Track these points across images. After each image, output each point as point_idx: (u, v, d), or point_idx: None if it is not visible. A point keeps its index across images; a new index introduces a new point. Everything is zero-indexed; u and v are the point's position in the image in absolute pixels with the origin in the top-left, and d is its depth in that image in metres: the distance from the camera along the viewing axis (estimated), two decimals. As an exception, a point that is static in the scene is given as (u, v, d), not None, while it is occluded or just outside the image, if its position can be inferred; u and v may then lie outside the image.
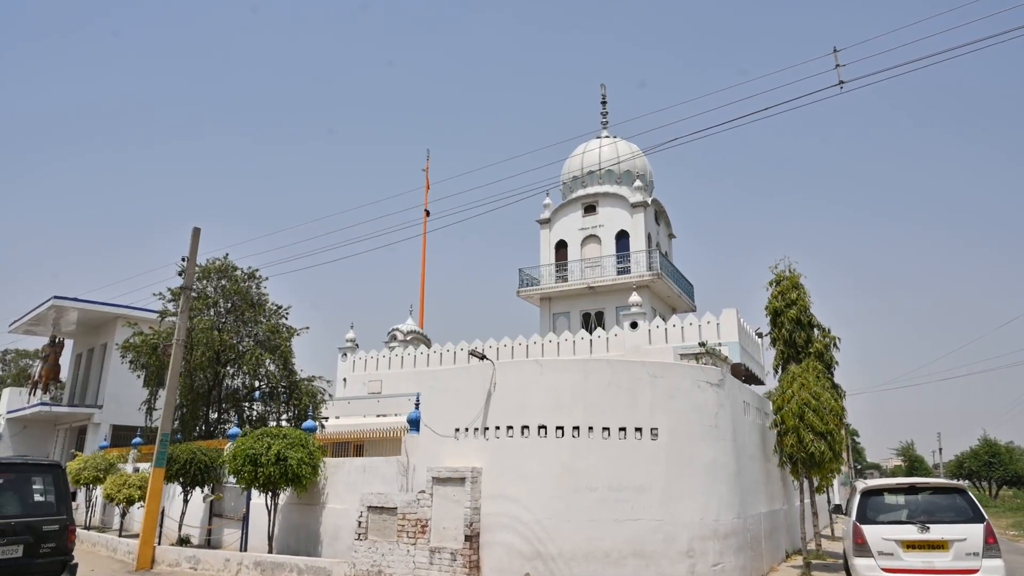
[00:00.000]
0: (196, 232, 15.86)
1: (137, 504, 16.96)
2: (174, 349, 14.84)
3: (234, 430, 17.09)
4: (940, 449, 60.92)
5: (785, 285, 15.34)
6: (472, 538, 11.02)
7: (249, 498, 14.63)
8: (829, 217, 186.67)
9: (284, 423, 19.73)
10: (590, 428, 11.16)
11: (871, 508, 9.80)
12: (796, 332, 14.90)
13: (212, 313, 20.49)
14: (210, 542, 15.95)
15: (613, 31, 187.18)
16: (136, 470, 19.57)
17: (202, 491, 16.15)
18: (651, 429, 11.22)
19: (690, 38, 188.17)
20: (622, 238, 29.08)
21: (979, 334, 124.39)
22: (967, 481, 51.66)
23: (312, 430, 15.18)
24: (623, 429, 11.18)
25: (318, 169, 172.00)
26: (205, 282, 20.79)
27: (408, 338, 30.07)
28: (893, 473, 67.72)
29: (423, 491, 11.74)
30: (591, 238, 29.82)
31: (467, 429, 11.84)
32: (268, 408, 20.96)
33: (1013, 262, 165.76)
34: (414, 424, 12.90)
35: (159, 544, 14.67)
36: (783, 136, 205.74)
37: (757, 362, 24.30)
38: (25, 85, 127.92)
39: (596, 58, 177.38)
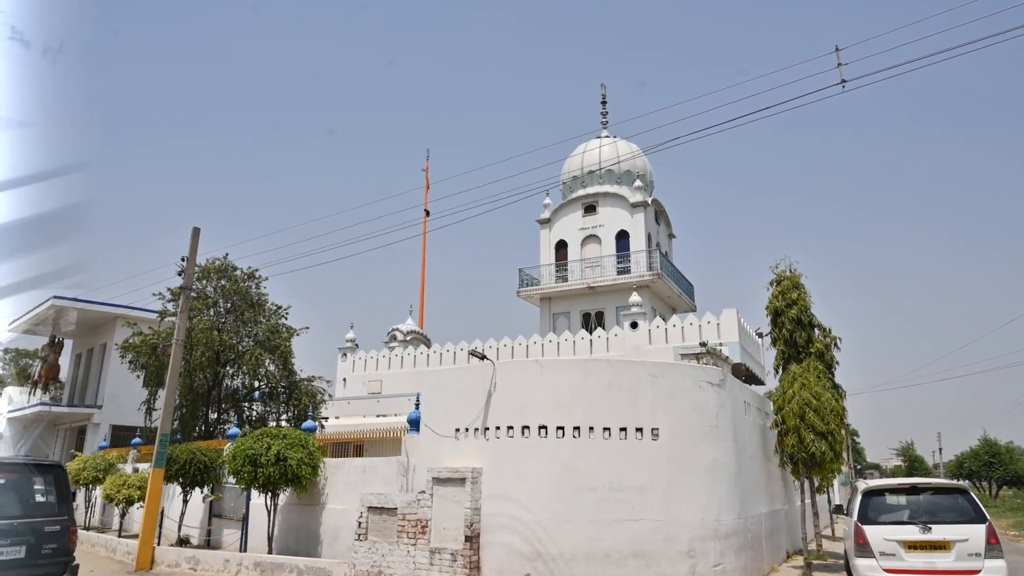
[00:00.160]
0: (196, 232, 15.86)
1: (136, 504, 16.92)
2: (174, 349, 14.83)
3: (234, 430, 17.06)
4: (940, 449, 60.92)
5: (786, 285, 15.33)
6: (472, 538, 11.00)
7: (249, 498, 14.61)
8: (829, 217, 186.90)
9: (284, 423, 19.70)
10: (590, 428, 11.14)
11: (872, 508, 9.78)
12: (797, 332, 14.89)
13: (212, 313, 20.47)
14: (210, 543, 15.93)
15: (613, 31, 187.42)
16: (136, 470, 19.55)
17: (202, 491, 16.13)
18: (652, 429, 11.20)
19: (690, 38, 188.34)
20: (622, 238, 29.07)
21: (979, 334, 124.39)
22: (967, 481, 51.63)
23: (312, 430, 15.15)
24: (623, 429, 11.16)
25: (318, 169, 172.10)
26: (205, 282, 20.76)
27: (408, 338, 30.06)
28: (893, 473, 67.65)
29: (423, 491, 11.72)
30: (591, 238, 29.81)
31: (467, 429, 11.82)
32: (268, 408, 20.94)
33: (1013, 262, 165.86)
34: (414, 424, 12.88)
35: (158, 544, 14.65)
36: (783, 136, 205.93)
37: (757, 362, 24.28)
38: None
39: (596, 58, 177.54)
